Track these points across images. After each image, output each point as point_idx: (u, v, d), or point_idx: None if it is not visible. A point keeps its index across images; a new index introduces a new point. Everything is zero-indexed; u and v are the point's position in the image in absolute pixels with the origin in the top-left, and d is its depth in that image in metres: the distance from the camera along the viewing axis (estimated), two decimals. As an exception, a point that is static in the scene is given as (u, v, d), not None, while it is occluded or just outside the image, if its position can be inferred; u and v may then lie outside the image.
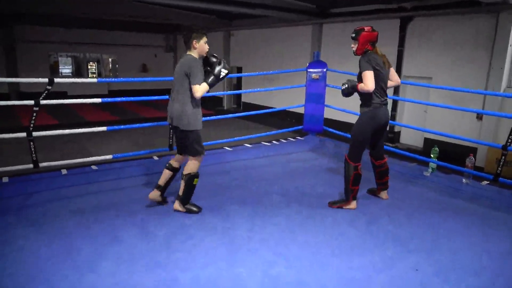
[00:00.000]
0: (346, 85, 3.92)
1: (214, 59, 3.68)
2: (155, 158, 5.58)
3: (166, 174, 3.85)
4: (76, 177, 4.66)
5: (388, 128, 4.16)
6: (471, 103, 7.12)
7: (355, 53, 3.89)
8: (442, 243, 3.29)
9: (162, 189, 3.88)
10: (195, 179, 3.69)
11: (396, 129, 8.85)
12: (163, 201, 3.97)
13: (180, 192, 3.75)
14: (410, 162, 5.65)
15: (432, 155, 5.23)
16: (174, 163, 3.87)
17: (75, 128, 5.00)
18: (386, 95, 3.89)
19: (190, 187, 3.70)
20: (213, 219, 3.67)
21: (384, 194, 4.30)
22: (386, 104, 3.87)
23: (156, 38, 17.62)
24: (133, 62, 17.32)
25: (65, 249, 3.04)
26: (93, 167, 5.05)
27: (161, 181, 3.85)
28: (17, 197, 4.02)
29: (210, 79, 3.55)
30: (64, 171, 4.83)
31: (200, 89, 3.47)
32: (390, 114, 3.96)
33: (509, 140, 4.35)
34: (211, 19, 13.26)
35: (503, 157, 4.42)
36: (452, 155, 6.14)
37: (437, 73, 7.90)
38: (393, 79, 4.06)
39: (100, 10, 11.16)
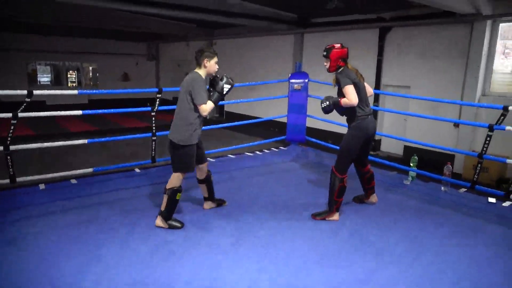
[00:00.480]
0: (327, 102, 3.98)
1: (218, 76, 3.78)
2: (137, 170, 5.52)
3: (202, 187, 4.17)
4: (55, 192, 4.56)
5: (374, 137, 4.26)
6: (448, 111, 7.33)
7: (328, 70, 4.02)
8: (423, 252, 3.36)
9: (209, 198, 4.23)
10: (178, 194, 3.68)
11: (377, 137, 9.01)
12: (221, 203, 4.34)
13: (162, 207, 3.71)
14: (391, 171, 5.75)
15: (411, 164, 5.35)
16: (199, 176, 4.07)
17: (54, 140, 4.91)
18: (369, 106, 4.02)
19: (172, 202, 3.69)
20: (197, 233, 3.64)
21: (374, 198, 4.47)
22: (371, 114, 4.00)
23: (137, 47, 17.47)
24: (114, 71, 17.11)
25: (45, 268, 2.96)
26: (73, 181, 4.95)
27: (204, 193, 4.22)
28: (-7, 214, 3.90)
29: (214, 97, 3.66)
30: (42, 186, 4.71)
31: (207, 108, 3.57)
32: (376, 123, 4.14)
33: (485, 148, 4.50)
34: (193, 28, 13.25)
35: (479, 165, 4.55)
36: (431, 162, 6.29)
37: (415, 82, 8.10)
38: (368, 91, 4.19)
39: (80, 18, 11.01)
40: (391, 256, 3.29)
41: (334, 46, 4.01)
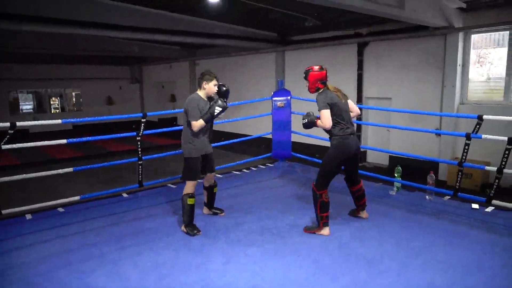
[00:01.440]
0: (306, 119, 4.12)
1: (214, 97, 4.17)
2: (125, 195, 5.48)
3: (205, 193, 4.66)
4: (42, 222, 4.49)
5: (358, 156, 4.30)
6: (429, 120, 7.55)
7: (309, 91, 4.16)
8: (411, 262, 3.42)
9: (208, 205, 4.69)
10: (189, 199, 4.06)
11: (362, 150, 9.16)
12: (217, 213, 4.68)
13: (183, 213, 4.14)
14: (376, 182, 5.86)
15: (396, 174, 5.46)
16: (205, 183, 4.60)
17: (39, 169, 4.86)
18: (351, 124, 4.05)
19: (185, 207, 4.08)
20: (187, 255, 3.63)
21: (364, 214, 4.47)
22: (352, 133, 4.01)
23: (120, 70, 17.56)
24: (98, 95, 17.11)
25: (32, 301, 2.91)
26: (60, 209, 4.89)
27: (205, 199, 4.68)
28: (-22, 248, 3.82)
29: (205, 116, 4.02)
30: (28, 216, 4.64)
31: (196, 125, 4.01)
32: (358, 142, 4.17)
33: (464, 156, 4.64)
34: (175, 50, 13.41)
35: (459, 173, 4.68)
36: (416, 171, 6.43)
37: (396, 93, 8.33)
38: (353, 110, 4.24)
39: (61, 45, 11.02)
40: (380, 266, 3.34)
41: (312, 69, 4.08)
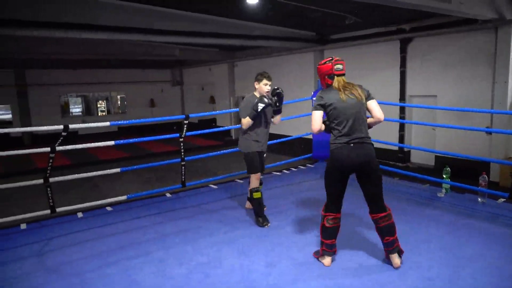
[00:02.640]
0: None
1: (259, 96, 4.38)
2: (168, 195, 5.64)
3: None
4: (92, 220, 4.73)
5: (373, 171, 3.32)
6: (479, 118, 7.13)
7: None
8: (463, 269, 3.24)
9: (250, 200, 4.70)
10: (254, 193, 4.39)
11: (406, 148, 8.84)
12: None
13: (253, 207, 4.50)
14: (423, 184, 5.62)
15: (444, 176, 5.21)
16: None
17: (88, 169, 5.12)
18: (354, 131, 3.24)
19: (252, 200, 4.44)
20: (230, 255, 3.67)
21: (394, 259, 3.29)
22: (353, 142, 3.23)
23: (162, 73, 18.10)
24: (141, 98, 17.74)
25: (86, 296, 3.07)
26: (108, 208, 5.12)
27: (249, 194, 4.64)
28: (36, 244, 4.07)
29: (250, 113, 4.27)
30: (80, 214, 4.90)
31: (244, 122, 4.35)
32: (368, 152, 3.29)
33: (521, 157, 4.34)
34: (215, 52, 13.63)
35: (516, 174, 4.40)
36: (465, 172, 6.11)
37: (442, 91, 7.96)
38: (372, 113, 3.41)
39: (106, 50, 11.56)
40: (429, 274, 3.19)
41: (320, 63, 3.47)
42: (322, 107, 3.31)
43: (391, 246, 3.28)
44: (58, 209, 4.53)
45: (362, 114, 3.30)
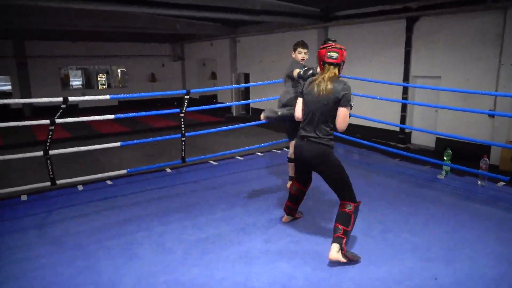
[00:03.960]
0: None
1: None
2: (168, 170, 5.65)
3: (291, 166, 4.74)
4: (93, 193, 4.75)
5: (322, 171, 3.29)
6: (482, 101, 7.06)
7: None
8: (461, 251, 3.28)
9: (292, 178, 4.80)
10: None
11: (407, 129, 8.80)
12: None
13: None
14: (423, 165, 5.62)
15: (445, 158, 5.20)
16: (290, 155, 4.76)
17: (89, 142, 5.11)
18: (311, 129, 3.19)
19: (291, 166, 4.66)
20: (230, 232, 3.70)
21: (332, 248, 3.06)
22: (306, 138, 3.20)
23: (163, 48, 17.81)
24: (142, 72, 17.54)
25: (86, 267, 3.11)
26: (108, 182, 5.13)
27: (290, 172, 4.79)
28: (37, 215, 4.11)
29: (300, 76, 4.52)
30: (80, 187, 4.92)
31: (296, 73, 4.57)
32: (318, 153, 3.20)
33: (523, 141, 4.31)
34: (217, 26, 13.36)
35: (517, 158, 4.38)
36: (466, 154, 6.09)
37: (446, 72, 7.84)
38: (336, 120, 3.15)
39: (107, 23, 11.33)
40: (428, 254, 3.22)
41: (321, 46, 3.31)
42: (301, 94, 3.32)
43: (334, 233, 3.11)
44: (59, 182, 4.54)
45: (325, 112, 3.13)
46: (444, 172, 5.21)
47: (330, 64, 3.15)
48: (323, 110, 3.13)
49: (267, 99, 7.11)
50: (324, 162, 3.22)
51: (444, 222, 3.84)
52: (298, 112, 3.36)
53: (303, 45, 4.62)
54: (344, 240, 3.06)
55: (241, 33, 13.56)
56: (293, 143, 4.35)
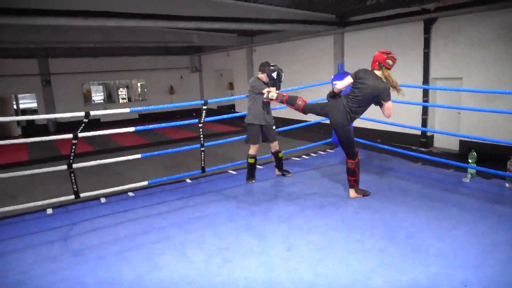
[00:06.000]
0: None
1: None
2: (188, 181, 5.69)
3: (274, 157, 5.66)
4: (115, 205, 4.83)
5: (338, 132, 4.49)
6: (507, 101, 6.84)
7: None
8: (490, 256, 3.15)
9: (277, 167, 5.69)
10: (249, 159, 5.36)
11: (429, 133, 8.60)
12: (285, 173, 5.67)
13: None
14: (447, 169, 5.47)
15: (470, 160, 5.04)
16: (272, 150, 5.57)
17: (110, 155, 5.20)
18: (354, 103, 4.36)
19: (248, 165, 5.42)
20: (250, 240, 3.68)
21: (350, 192, 4.66)
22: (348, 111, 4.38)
23: (181, 60, 18.14)
24: (161, 85, 17.88)
25: (109, 278, 3.14)
26: (130, 193, 5.21)
27: (275, 162, 5.68)
28: (62, 228, 4.20)
29: (270, 82, 5.11)
30: (103, 200, 5.01)
31: (271, 94, 4.95)
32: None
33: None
34: (232, 37, 13.53)
35: (547, 159, 4.20)
36: (491, 156, 5.89)
37: (467, 73, 7.66)
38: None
39: (127, 37, 11.66)
40: (454, 261, 3.11)
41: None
42: (355, 76, 4.40)
43: (348, 182, 4.63)
44: (82, 195, 4.64)
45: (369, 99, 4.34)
46: (469, 175, 5.05)
47: (387, 68, 4.32)
48: (366, 97, 4.26)
49: (283, 106, 7.09)
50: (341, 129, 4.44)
51: (471, 226, 3.70)
52: (342, 85, 4.42)
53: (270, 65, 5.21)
54: (356, 185, 4.59)
55: (257, 42, 13.68)
56: (255, 147, 5.32)
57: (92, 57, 15.68)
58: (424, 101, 8.26)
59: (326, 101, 4.59)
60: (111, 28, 9.80)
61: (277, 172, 5.73)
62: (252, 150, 5.33)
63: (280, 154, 5.59)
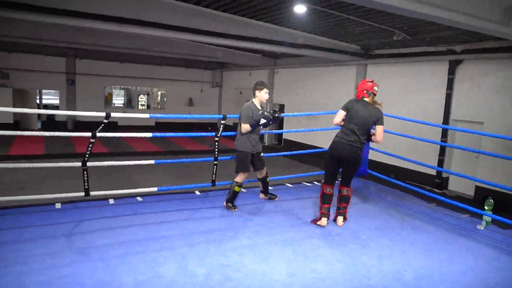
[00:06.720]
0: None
1: (264, 108, 5.02)
2: (197, 193, 5.67)
3: (261, 183, 5.53)
4: (123, 208, 4.82)
5: (353, 165, 4.55)
6: (528, 151, 6.70)
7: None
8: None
9: (263, 192, 5.57)
10: (236, 187, 5.02)
11: (444, 174, 8.45)
12: (272, 197, 5.58)
13: (228, 195, 5.08)
14: (462, 213, 5.33)
15: (486, 207, 4.91)
16: (258, 176, 5.43)
17: (124, 158, 5.24)
18: (352, 135, 4.40)
19: (232, 191, 5.04)
20: (253, 261, 3.61)
21: (339, 220, 4.66)
22: (345, 140, 4.39)
23: (203, 74, 18.41)
24: (181, 96, 18.12)
25: (108, 282, 3.10)
26: (139, 198, 5.21)
27: (261, 188, 5.57)
28: (68, 224, 4.20)
29: (251, 122, 4.81)
30: (111, 201, 5.02)
31: (244, 128, 4.88)
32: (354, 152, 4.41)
33: None
34: (256, 57, 13.72)
35: None
36: (509, 205, 5.73)
37: (490, 117, 7.56)
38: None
39: (155, 47, 11.95)
40: (463, 307, 2.99)
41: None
42: (346, 109, 4.54)
43: (339, 210, 4.69)
44: (92, 193, 4.65)
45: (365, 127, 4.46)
46: (484, 223, 4.90)
47: (374, 95, 4.48)
48: (365, 125, 4.39)
49: (300, 130, 7.11)
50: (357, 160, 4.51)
51: (485, 275, 3.57)
52: (337, 119, 4.53)
53: (268, 86, 5.07)
54: (346, 213, 4.70)
55: (280, 64, 13.84)
56: (245, 175, 5.05)
57: (118, 62, 16.06)
58: (442, 141, 8.16)
59: (326, 156, 4.58)
60: (141, 36, 10.06)
61: (262, 196, 5.60)
62: (241, 178, 5.04)
63: (267, 179, 5.47)
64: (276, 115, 4.79)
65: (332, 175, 4.60)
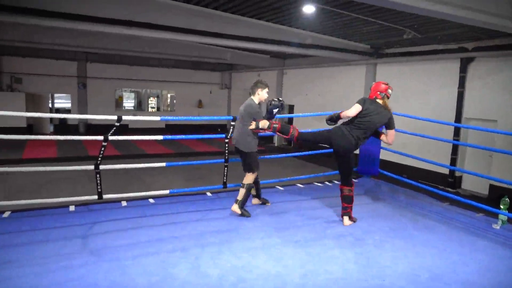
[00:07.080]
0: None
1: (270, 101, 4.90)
2: (209, 194, 5.69)
3: (254, 187, 5.14)
4: (135, 210, 4.86)
5: (342, 157, 4.58)
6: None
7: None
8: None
9: (256, 196, 5.26)
10: (252, 189, 4.90)
11: (457, 173, 8.35)
12: (265, 202, 5.31)
13: (239, 197, 4.77)
14: (476, 212, 5.25)
15: (501, 206, 4.83)
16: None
17: (136, 161, 5.28)
18: (359, 130, 4.49)
19: (245, 194, 4.79)
20: (266, 262, 3.61)
21: (344, 220, 4.64)
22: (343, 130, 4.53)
23: (212, 76, 18.49)
24: (190, 98, 18.22)
25: (121, 282, 3.13)
26: (151, 200, 5.25)
27: (253, 192, 5.17)
28: (82, 226, 4.25)
29: (265, 117, 4.80)
30: (124, 203, 5.06)
31: (261, 124, 4.68)
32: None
33: None
34: (265, 58, 13.73)
35: None
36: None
37: (503, 115, 7.45)
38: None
39: (163, 50, 12.05)
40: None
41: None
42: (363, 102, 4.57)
43: (343, 209, 4.67)
44: (105, 196, 4.70)
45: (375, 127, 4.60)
46: (500, 222, 4.82)
47: (388, 97, 4.57)
48: (371, 126, 4.48)
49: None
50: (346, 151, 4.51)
51: (502, 276, 3.50)
52: (352, 113, 4.46)
53: (268, 85, 4.93)
54: (351, 212, 4.65)
55: (289, 65, 13.82)
56: (255, 174, 4.83)
57: (128, 65, 16.24)
58: (455, 140, 8.06)
59: (327, 130, 4.68)
60: (150, 39, 10.15)
61: (255, 201, 5.29)
62: (252, 178, 4.80)
63: (259, 180, 5.22)
64: (282, 100, 4.81)
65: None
